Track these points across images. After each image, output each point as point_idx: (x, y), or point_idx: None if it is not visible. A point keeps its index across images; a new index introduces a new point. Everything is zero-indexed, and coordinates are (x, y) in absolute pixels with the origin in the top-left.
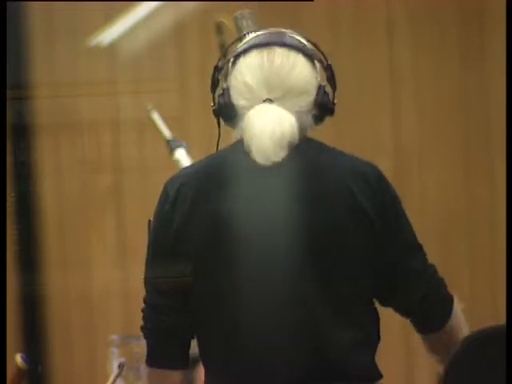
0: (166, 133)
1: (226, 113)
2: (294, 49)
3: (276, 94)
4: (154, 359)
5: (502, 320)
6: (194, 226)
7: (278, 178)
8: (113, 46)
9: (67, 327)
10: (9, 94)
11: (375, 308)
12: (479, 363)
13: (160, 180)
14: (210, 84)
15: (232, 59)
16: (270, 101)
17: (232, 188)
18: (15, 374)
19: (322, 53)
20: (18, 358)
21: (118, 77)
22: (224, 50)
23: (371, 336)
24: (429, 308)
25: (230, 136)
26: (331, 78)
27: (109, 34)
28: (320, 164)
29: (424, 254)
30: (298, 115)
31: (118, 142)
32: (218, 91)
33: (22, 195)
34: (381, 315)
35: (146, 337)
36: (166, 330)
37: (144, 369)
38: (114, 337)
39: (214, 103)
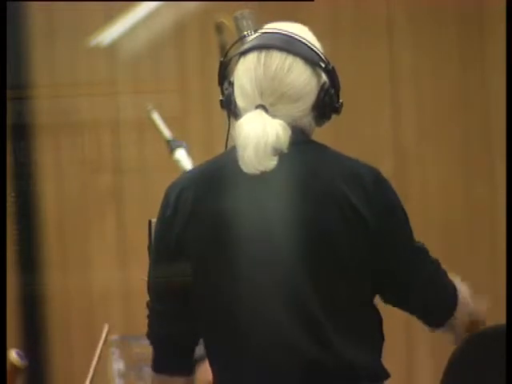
0: (166, 133)
1: (230, 108)
2: (293, 53)
3: (270, 99)
4: (158, 365)
5: (502, 320)
6: (195, 229)
7: (276, 180)
8: (113, 46)
9: (67, 327)
10: (9, 93)
11: (376, 308)
12: (479, 363)
13: (160, 180)
14: (218, 77)
15: (237, 56)
16: (262, 107)
17: (232, 190)
18: (9, 371)
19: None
20: (13, 354)
21: (118, 77)
22: (234, 44)
23: (374, 335)
24: (433, 304)
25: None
26: (334, 81)
27: (109, 34)
28: (319, 166)
29: (426, 252)
30: (296, 119)
31: (118, 142)
32: (225, 85)
33: (22, 195)
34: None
35: (150, 342)
36: (169, 336)
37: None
38: (114, 337)
39: (222, 95)
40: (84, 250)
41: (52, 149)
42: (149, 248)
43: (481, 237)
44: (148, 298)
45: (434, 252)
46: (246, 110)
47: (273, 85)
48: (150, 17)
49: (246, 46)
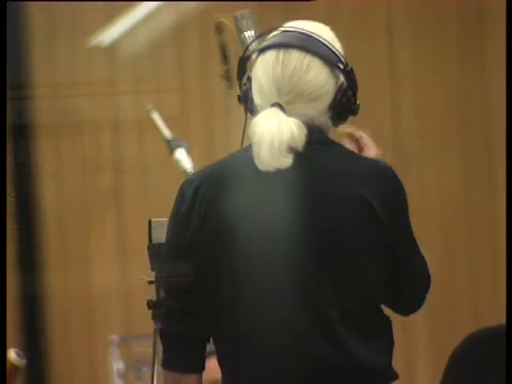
0: (166, 133)
1: (247, 103)
2: (311, 52)
3: (287, 98)
4: (169, 362)
5: (502, 320)
6: (210, 227)
7: (290, 179)
8: (113, 46)
9: (67, 327)
10: (9, 93)
11: (385, 314)
12: (479, 363)
13: (160, 180)
14: (237, 72)
15: (257, 53)
16: (278, 105)
17: (247, 189)
18: (8, 370)
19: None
20: (12, 354)
21: (118, 77)
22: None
23: (385, 337)
24: (413, 301)
25: (234, 136)
26: (351, 82)
27: (109, 34)
28: (336, 165)
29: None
30: (312, 118)
31: (118, 142)
32: (244, 80)
33: (22, 195)
34: None
35: (162, 339)
36: (183, 333)
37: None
38: (114, 337)
39: (240, 90)
40: (84, 250)
41: (52, 149)
42: (149, 248)
43: (480, 236)
44: (148, 298)
45: (434, 251)
46: (263, 108)
47: (290, 83)
48: (149, 17)
49: (265, 44)
